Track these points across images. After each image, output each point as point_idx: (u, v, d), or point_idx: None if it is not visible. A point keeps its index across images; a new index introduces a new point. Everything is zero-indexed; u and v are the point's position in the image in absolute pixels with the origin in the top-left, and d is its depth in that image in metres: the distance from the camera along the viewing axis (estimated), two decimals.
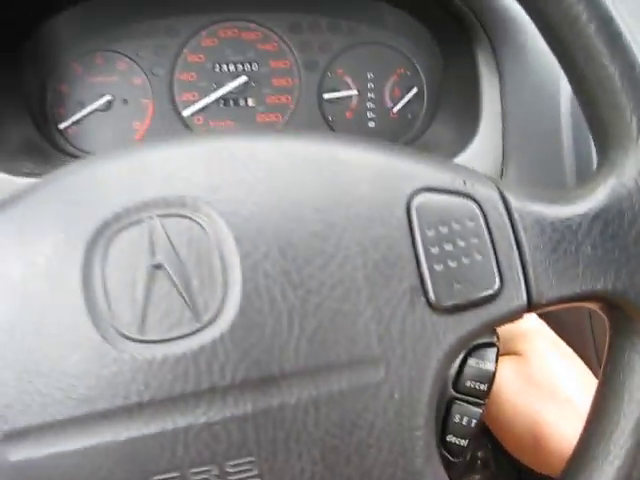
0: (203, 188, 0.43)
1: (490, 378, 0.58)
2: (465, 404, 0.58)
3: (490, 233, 0.46)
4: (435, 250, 0.44)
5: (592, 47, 0.46)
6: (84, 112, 0.93)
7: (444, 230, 0.45)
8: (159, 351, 0.41)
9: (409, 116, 0.95)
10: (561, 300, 0.46)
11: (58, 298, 0.41)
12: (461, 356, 0.59)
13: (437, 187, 0.46)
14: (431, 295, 0.44)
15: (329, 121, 0.95)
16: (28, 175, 0.78)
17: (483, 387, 0.57)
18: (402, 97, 0.95)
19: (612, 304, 0.48)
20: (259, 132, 0.47)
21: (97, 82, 0.93)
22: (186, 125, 0.94)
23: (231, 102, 0.95)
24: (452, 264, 0.45)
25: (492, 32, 0.79)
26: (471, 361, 0.57)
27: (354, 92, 0.95)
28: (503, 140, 0.78)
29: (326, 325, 0.42)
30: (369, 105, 0.95)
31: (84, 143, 0.93)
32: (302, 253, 0.43)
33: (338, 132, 0.95)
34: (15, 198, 0.45)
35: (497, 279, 0.45)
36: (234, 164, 0.44)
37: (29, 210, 0.44)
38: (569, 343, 0.66)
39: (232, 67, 0.94)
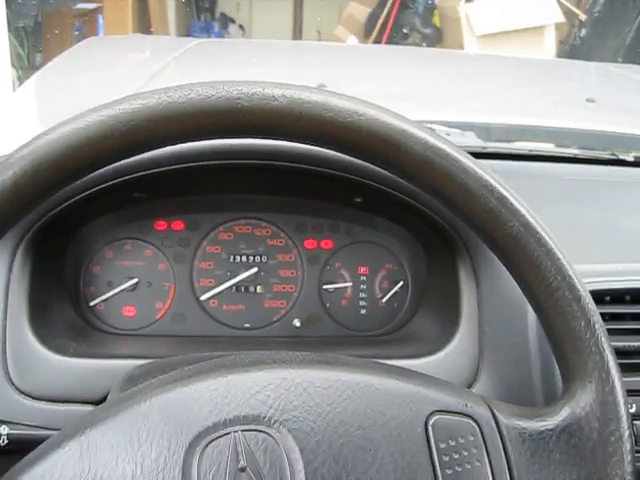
0: (275, 409, 0.58)
1: None
2: None
3: (485, 444, 0.61)
4: (446, 458, 0.59)
5: (564, 307, 0.63)
6: (113, 292, 1.07)
7: (452, 443, 0.60)
8: None
9: (395, 305, 1.11)
10: None
11: None
12: None
13: (447, 409, 0.61)
14: None
15: (326, 307, 1.09)
16: (75, 355, 0.90)
17: None
18: (390, 289, 1.11)
19: None
20: (315, 363, 0.62)
21: (125, 266, 1.07)
22: (202, 307, 1.08)
23: (242, 289, 1.09)
24: (458, 469, 0.59)
25: (470, 247, 0.96)
26: None
27: (349, 284, 1.10)
28: (479, 341, 0.93)
29: None
30: (361, 295, 1.11)
31: (112, 320, 1.06)
32: (350, 461, 0.57)
33: (332, 317, 1.10)
34: (123, 407, 0.58)
35: None
36: (297, 390, 0.59)
37: (136, 419, 0.57)
38: None
39: (245, 258, 1.09)
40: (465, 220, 0.66)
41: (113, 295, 1.07)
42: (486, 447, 0.61)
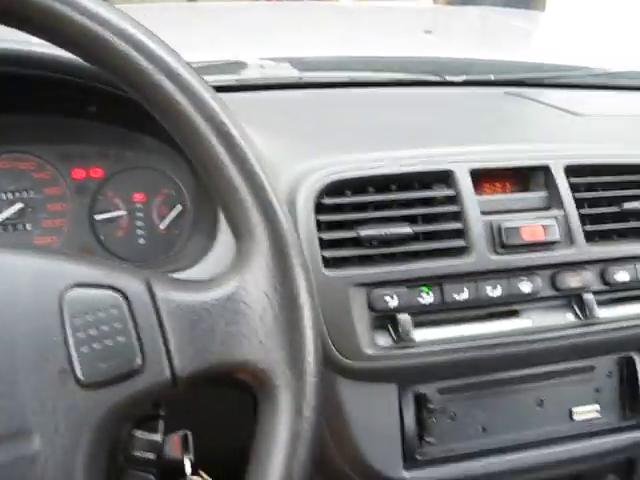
0: None
1: (158, 447, 0.63)
2: (138, 472, 0.63)
3: (133, 318, 0.55)
4: (81, 335, 0.54)
5: (219, 156, 0.58)
6: None
7: (90, 318, 0.54)
8: None
9: (176, 231, 1.05)
10: (202, 373, 0.56)
11: None
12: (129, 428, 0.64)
13: (86, 282, 0.56)
14: (79, 374, 0.53)
15: (102, 240, 1.03)
16: None
17: (152, 456, 0.63)
18: (168, 214, 1.05)
19: (249, 373, 0.58)
20: None
21: None
22: None
23: (10, 227, 1.03)
24: (97, 346, 0.54)
25: None
26: (137, 433, 0.63)
27: (123, 212, 1.05)
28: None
29: None
30: (138, 223, 1.05)
31: None
32: None
33: (108, 250, 1.04)
34: None
35: (139, 357, 0.55)
36: None
37: None
38: None
39: (10, 195, 1.02)
40: (120, 83, 0.59)
41: None
42: (134, 321, 0.56)
